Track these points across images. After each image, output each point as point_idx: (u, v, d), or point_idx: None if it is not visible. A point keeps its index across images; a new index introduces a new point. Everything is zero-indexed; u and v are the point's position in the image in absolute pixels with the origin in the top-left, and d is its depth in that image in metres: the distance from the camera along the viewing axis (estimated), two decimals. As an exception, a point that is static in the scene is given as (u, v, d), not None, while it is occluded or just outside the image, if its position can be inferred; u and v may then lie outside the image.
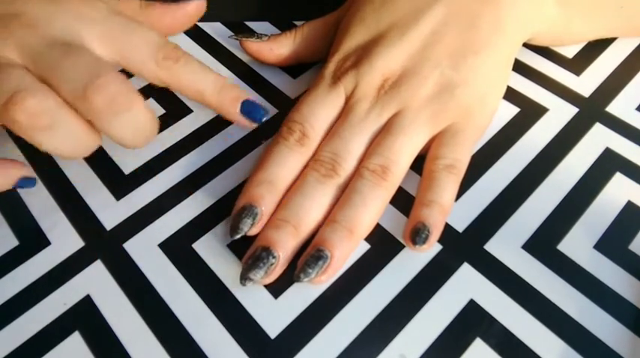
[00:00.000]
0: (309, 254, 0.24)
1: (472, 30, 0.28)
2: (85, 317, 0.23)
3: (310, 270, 0.23)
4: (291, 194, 0.25)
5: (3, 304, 0.24)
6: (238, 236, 0.25)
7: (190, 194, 0.28)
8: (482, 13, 0.28)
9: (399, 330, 0.23)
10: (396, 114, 0.27)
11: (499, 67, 0.29)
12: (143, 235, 0.26)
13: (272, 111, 0.31)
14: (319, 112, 0.27)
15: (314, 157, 0.26)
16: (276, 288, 0.24)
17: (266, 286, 0.24)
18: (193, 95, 0.26)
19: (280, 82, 0.33)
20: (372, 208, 0.25)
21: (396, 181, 0.26)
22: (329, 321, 0.23)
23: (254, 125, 0.27)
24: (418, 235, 0.24)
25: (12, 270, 0.25)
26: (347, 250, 0.24)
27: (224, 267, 0.25)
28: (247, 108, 0.27)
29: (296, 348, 0.22)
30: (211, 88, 0.26)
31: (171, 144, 0.30)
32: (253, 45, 0.32)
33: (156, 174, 0.28)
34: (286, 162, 0.26)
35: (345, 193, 0.25)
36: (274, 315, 0.23)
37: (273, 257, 0.24)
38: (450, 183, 0.26)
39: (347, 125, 0.27)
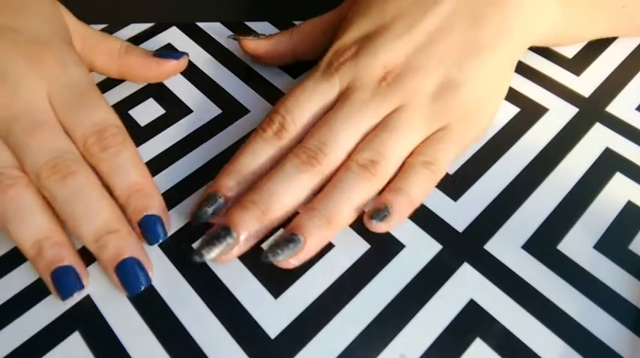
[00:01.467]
0: (281, 236, 0.24)
1: (477, 29, 0.27)
2: (85, 317, 0.23)
3: (279, 251, 0.23)
4: (266, 178, 0.25)
5: (3, 304, 0.24)
6: (199, 223, 0.25)
7: (190, 194, 0.27)
8: (489, 13, 0.28)
9: (399, 330, 0.23)
10: (394, 111, 0.26)
11: (501, 70, 0.29)
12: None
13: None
14: (305, 105, 0.27)
15: (300, 144, 0.26)
16: (276, 288, 0.24)
17: (266, 286, 0.24)
18: (107, 187, 0.25)
19: (280, 82, 0.33)
20: (355, 201, 0.25)
21: (384, 177, 0.26)
22: (329, 321, 0.23)
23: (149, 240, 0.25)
24: (377, 213, 0.24)
25: (12, 270, 0.25)
26: (322, 239, 0.24)
27: (224, 266, 0.25)
28: (146, 223, 0.25)
29: (296, 348, 0.22)
30: (122, 191, 0.25)
31: (171, 144, 0.30)
32: (250, 43, 0.32)
33: (156, 174, 0.28)
34: (259, 154, 0.26)
35: (329, 183, 0.25)
36: (274, 315, 0.23)
37: (231, 237, 0.23)
38: (423, 178, 0.26)
39: (340, 115, 0.26)
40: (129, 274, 0.23)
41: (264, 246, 0.24)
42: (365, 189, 0.25)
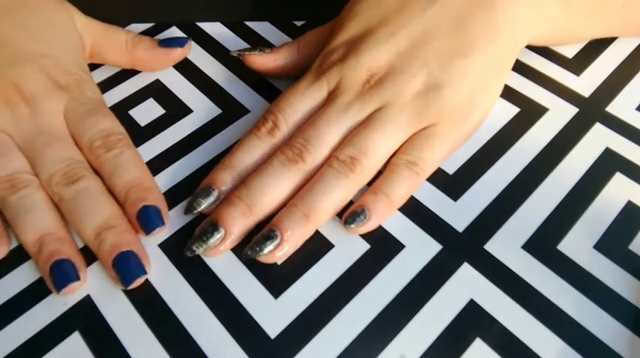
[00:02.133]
0: (262, 233, 0.24)
1: (463, 32, 0.28)
2: (85, 317, 0.23)
3: (257, 248, 0.24)
4: (253, 174, 0.26)
5: (3, 304, 0.24)
6: (191, 213, 0.26)
7: (190, 194, 0.27)
8: (475, 15, 0.28)
9: (399, 330, 0.23)
10: (377, 110, 0.27)
11: (490, 72, 0.28)
12: (143, 235, 0.26)
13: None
14: (296, 106, 0.28)
15: (287, 141, 0.27)
16: (276, 288, 0.24)
17: (266, 286, 0.24)
18: (110, 188, 0.26)
19: (280, 82, 0.33)
20: (334, 197, 0.25)
21: (365, 175, 0.26)
22: (329, 321, 0.23)
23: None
24: (352, 217, 0.25)
25: (12, 270, 0.25)
26: (300, 234, 0.25)
27: (224, 266, 0.25)
28: (143, 214, 0.25)
29: (296, 348, 0.22)
30: (121, 188, 0.26)
31: (171, 144, 0.30)
32: (257, 58, 0.31)
33: (156, 174, 0.28)
34: (253, 151, 0.27)
35: (311, 179, 0.26)
36: (274, 315, 0.23)
37: (218, 232, 0.24)
38: (405, 179, 0.26)
39: (324, 116, 0.27)
40: (124, 266, 0.24)
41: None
42: (344, 186, 0.25)
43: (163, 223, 0.25)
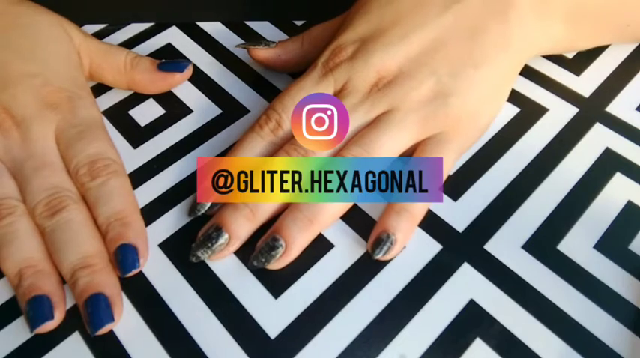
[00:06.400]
0: (265, 242, 0.24)
1: (476, 43, 0.27)
2: (85, 317, 0.23)
3: (263, 259, 0.24)
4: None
5: (3, 304, 0.24)
6: (196, 215, 0.26)
7: (190, 194, 0.27)
8: (489, 27, 0.28)
9: (399, 330, 0.23)
10: (384, 113, 0.27)
11: (497, 84, 0.29)
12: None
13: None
14: None
15: (290, 141, 0.26)
16: (276, 288, 0.24)
17: (266, 286, 0.24)
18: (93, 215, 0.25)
19: (280, 81, 0.33)
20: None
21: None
22: (329, 321, 0.23)
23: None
24: (379, 246, 0.24)
25: (12, 270, 0.25)
26: (304, 240, 0.25)
27: (224, 266, 0.25)
28: (120, 253, 0.24)
29: (296, 348, 0.22)
30: (103, 220, 0.25)
31: (171, 144, 0.30)
32: (261, 52, 0.31)
33: (156, 174, 0.28)
34: (255, 150, 0.27)
35: None
36: (274, 315, 0.23)
37: (223, 238, 0.24)
38: None
39: None
40: (93, 310, 0.22)
41: (252, 254, 0.24)
42: None
43: (138, 265, 0.24)
